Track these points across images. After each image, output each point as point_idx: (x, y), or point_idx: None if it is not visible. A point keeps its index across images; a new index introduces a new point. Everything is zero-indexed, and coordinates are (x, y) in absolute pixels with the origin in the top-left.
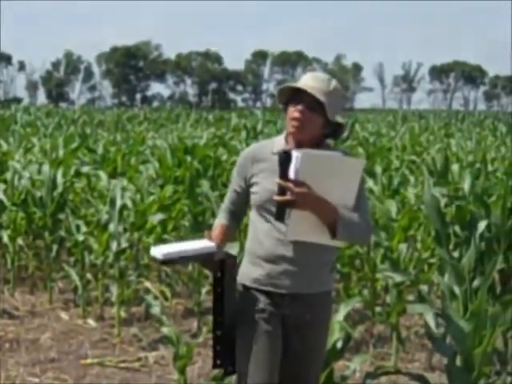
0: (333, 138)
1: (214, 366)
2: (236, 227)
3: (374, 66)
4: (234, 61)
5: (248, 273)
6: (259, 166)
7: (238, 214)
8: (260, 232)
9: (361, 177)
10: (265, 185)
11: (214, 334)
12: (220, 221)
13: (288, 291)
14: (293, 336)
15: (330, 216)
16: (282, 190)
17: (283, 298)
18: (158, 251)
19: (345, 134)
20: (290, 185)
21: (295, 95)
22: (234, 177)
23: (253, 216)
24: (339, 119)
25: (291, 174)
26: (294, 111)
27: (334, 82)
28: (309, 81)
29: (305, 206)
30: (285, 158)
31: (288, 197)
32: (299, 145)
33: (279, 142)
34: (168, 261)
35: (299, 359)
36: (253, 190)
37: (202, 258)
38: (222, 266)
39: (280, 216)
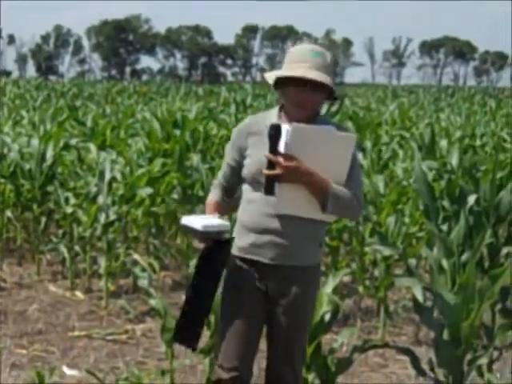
0: (328, 101)
1: (174, 339)
2: (228, 203)
3: (364, 40)
4: (224, 35)
5: (235, 242)
6: (252, 138)
7: (231, 189)
8: (250, 203)
9: (353, 152)
10: (256, 157)
11: (183, 308)
12: (212, 198)
13: (272, 262)
14: (277, 309)
15: (321, 190)
16: (272, 164)
17: (267, 268)
18: (193, 222)
19: (334, 108)
20: (279, 158)
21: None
22: (227, 151)
23: (245, 188)
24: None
25: (281, 148)
26: (298, 94)
27: (329, 56)
28: (308, 64)
29: (293, 180)
30: (275, 132)
31: (277, 170)
32: (296, 121)
33: (273, 117)
34: (206, 233)
35: (284, 333)
36: (245, 162)
37: (220, 236)
38: (214, 247)
39: (269, 190)
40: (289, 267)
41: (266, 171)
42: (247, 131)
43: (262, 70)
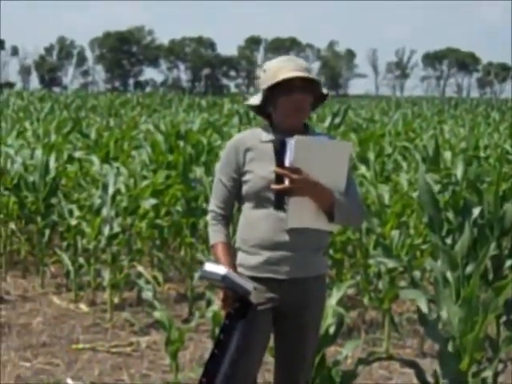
0: (316, 107)
1: None
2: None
3: (367, 52)
4: (228, 47)
5: (244, 262)
6: (248, 154)
7: (230, 216)
8: (255, 220)
9: (349, 159)
10: (258, 173)
11: (206, 365)
12: (217, 239)
13: (287, 276)
14: (289, 321)
15: (327, 201)
16: (279, 178)
17: (282, 283)
18: (217, 268)
19: (337, 120)
20: (288, 172)
21: (282, 84)
22: (221, 172)
23: (245, 206)
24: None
25: (286, 162)
26: (293, 101)
27: (301, 60)
28: (291, 65)
29: (303, 193)
30: (280, 146)
31: (286, 184)
32: (290, 131)
33: (263, 133)
34: (230, 282)
35: (296, 343)
36: (245, 178)
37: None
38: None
39: (279, 204)
40: (302, 279)
41: (275, 186)
42: (240, 148)
43: (244, 99)
